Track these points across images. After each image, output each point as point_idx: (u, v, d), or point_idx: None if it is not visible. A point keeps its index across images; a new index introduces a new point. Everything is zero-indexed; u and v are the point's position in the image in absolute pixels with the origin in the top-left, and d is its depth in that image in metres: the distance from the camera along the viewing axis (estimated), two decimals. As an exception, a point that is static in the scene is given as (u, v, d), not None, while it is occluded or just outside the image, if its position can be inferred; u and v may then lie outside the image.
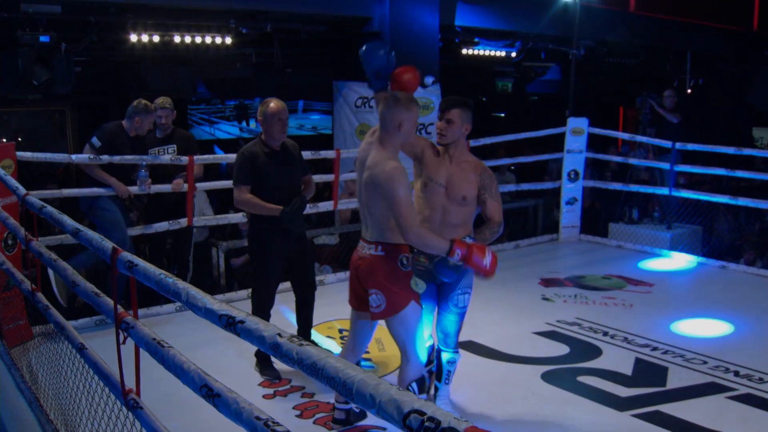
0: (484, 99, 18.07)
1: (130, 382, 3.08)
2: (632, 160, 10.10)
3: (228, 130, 13.45)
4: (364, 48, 4.32)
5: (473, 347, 5.86)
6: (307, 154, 8.29)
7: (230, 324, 2.18)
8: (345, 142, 9.64)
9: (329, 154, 7.90)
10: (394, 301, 3.90)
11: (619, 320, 6.53)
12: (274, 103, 5.19)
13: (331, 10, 9.46)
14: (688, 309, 6.96)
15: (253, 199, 5.12)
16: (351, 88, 9.50)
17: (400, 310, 3.91)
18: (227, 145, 12.43)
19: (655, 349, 5.85)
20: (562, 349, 5.86)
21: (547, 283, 7.73)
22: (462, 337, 5.98)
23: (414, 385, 4.06)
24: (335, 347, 5.87)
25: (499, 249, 9.12)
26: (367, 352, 5.79)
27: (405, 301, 3.91)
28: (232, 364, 5.28)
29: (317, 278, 7.62)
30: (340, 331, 6.27)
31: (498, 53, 14.08)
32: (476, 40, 13.06)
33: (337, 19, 10.06)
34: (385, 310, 3.92)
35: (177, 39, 9.85)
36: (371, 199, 3.86)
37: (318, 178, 8.40)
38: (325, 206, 7.87)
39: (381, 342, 5.99)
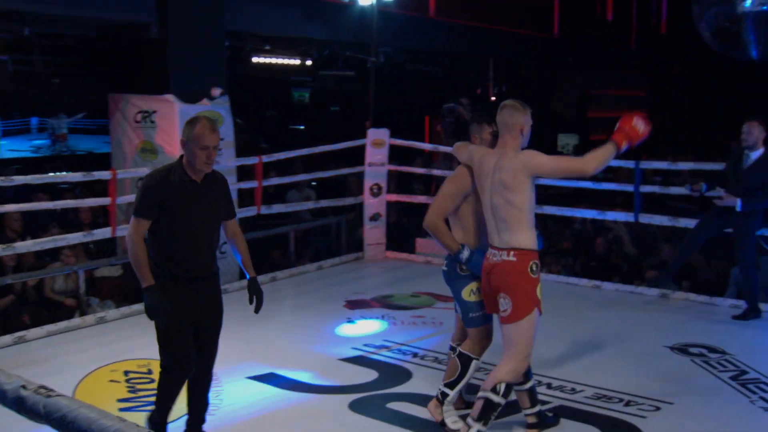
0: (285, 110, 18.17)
1: None
2: (436, 171, 10.40)
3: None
4: None
5: (275, 380, 5.80)
6: (77, 176, 7.96)
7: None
8: (124, 161, 9.21)
9: (104, 175, 7.57)
10: (519, 307, 4.27)
11: (430, 340, 6.70)
12: (200, 125, 4.36)
13: (101, 14, 9.03)
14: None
15: (141, 254, 4.35)
16: (130, 101, 9.12)
17: (523, 316, 4.26)
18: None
19: (466, 367, 6.01)
20: (371, 375, 5.92)
21: (353, 305, 7.80)
22: (261, 370, 5.96)
23: (502, 386, 4.30)
24: (121, 392, 5.61)
25: (301, 271, 9.14)
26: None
27: (529, 308, 4.27)
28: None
29: (98, 314, 7.30)
30: (126, 374, 5.98)
31: (292, 62, 14.16)
32: (267, 47, 13.05)
33: (109, 24, 9.66)
34: (510, 315, 4.29)
35: None
36: (502, 203, 4.33)
37: (93, 202, 8.08)
38: (102, 233, 7.51)
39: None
